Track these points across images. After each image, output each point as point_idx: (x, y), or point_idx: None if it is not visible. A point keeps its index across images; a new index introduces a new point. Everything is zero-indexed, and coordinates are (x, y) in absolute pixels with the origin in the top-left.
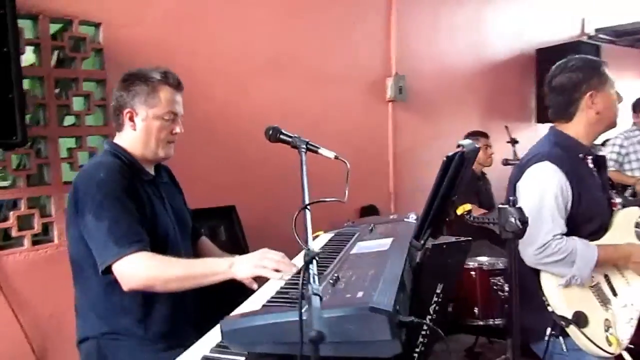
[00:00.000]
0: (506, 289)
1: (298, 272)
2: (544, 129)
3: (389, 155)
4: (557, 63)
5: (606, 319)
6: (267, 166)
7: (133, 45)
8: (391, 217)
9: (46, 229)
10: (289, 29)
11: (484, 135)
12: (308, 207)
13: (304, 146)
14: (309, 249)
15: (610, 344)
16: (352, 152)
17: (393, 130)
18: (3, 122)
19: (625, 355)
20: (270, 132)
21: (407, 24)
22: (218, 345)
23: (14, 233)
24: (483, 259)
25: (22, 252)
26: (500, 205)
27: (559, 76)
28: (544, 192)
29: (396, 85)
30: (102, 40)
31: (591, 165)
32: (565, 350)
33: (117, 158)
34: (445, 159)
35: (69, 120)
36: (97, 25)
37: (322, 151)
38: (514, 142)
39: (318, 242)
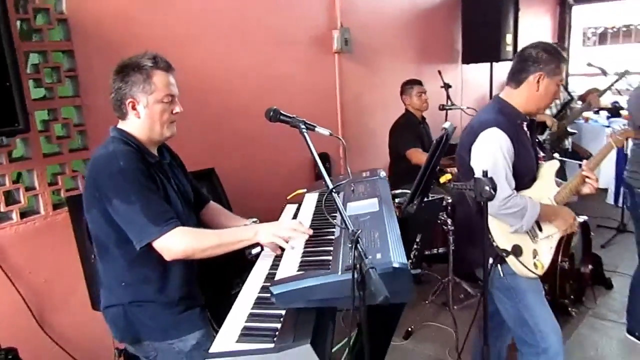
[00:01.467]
0: (449, 222)
1: (311, 237)
2: (469, 69)
3: (337, 104)
4: (540, 42)
5: (534, 249)
6: (240, 128)
7: (97, 15)
8: (363, 174)
9: (32, 201)
10: None
11: (418, 82)
12: (334, 190)
13: (303, 125)
14: (353, 231)
15: (536, 267)
16: (303, 102)
17: (340, 80)
18: (3, 110)
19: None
20: (271, 113)
21: None
22: (256, 305)
23: (2, 208)
24: None
25: (12, 225)
26: (476, 176)
27: (531, 49)
28: (496, 153)
29: (342, 38)
30: (66, 10)
31: (525, 129)
32: (502, 275)
33: (126, 145)
34: (435, 141)
35: (38, 92)
36: None
37: (318, 129)
38: (447, 86)
39: (306, 202)
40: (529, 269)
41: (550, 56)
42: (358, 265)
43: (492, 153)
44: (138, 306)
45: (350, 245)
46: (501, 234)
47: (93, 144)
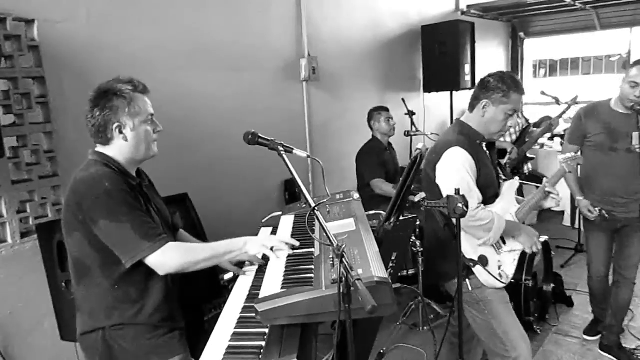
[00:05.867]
0: (418, 244)
1: (293, 254)
2: (430, 98)
3: (305, 130)
4: (500, 71)
5: (499, 260)
6: (210, 153)
7: (69, 42)
8: (337, 196)
9: None
10: (208, 21)
11: (385, 109)
12: (316, 208)
13: (282, 148)
14: (338, 246)
15: (501, 277)
16: (272, 129)
17: (308, 107)
18: None
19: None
20: (249, 137)
21: (314, 8)
22: (239, 324)
23: None
24: None
25: None
26: (449, 194)
27: (489, 77)
28: (460, 169)
29: (310, 66)
30: (37, 36)
31: (485, 149)
32: (470, 289)
33: (108, 167)
34: (411, 160)
35: (8, 119)
36: (29, 22)
37: (296, 151)
38: (411, 114)
39: (283, 224)
40: (495, 278)
41: (500, 85)
42: (344, 279)
43: (457, 170)
44: (119, 330)
45: (332, 263)
46: (468, 245)
47: (63, 171)
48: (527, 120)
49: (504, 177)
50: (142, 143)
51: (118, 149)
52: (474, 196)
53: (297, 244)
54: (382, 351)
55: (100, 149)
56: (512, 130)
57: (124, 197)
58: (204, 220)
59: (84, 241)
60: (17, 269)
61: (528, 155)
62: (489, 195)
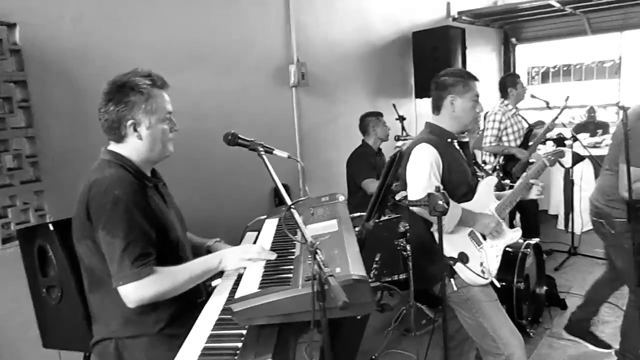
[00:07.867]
0: (408, 248)
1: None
2: (421, 103)
3: (295, 136)
4: (448, 68)
5: (480, 257)
6: (198, 158)
7: (53, 45)
8: (322, 199)
9: None
10: (197, 25)
11: (380, 114)
12: (292, 206)
13: (261, 148)
14: (312, 243)
15: (484, 274)
16: (262, 135)
17: (298, 113)
18: None
19: (495, 281)
20: (229, 137)
21: (305, 14)
22: (217, 326)
23: None
24: None
25: None
26: (430, 192)
27: (440, 77)
28: (423, 163)
29: (299, 72)
30: (19, 40)
31: (457, 147)
32: (455, 288)
33: (123, 169)
34: (390, 158)
35: None
36: (11, 26)
37: (277, 152)
38: (402, 119)
39: (266, 227)
40: (476, 274)
41: (455, 78)
42: (317, 276)
43: (419, 163)
44: (134, 339)
45: (310, 262)
46: (447, 243)
47: (46, 176)
48: (528, 124)
49: (481, 176)
50: (157, 143)
51: (132, 148)
52: (432, 187)
53: (274, 257)
54: (374, 357)
55: (113, 147)
56: (515, 135)
57: (130, 208)
58: (190, 225)
59: (92, 250)
60: (0, 275)
61: (529, 159)
62: (462, 192)
